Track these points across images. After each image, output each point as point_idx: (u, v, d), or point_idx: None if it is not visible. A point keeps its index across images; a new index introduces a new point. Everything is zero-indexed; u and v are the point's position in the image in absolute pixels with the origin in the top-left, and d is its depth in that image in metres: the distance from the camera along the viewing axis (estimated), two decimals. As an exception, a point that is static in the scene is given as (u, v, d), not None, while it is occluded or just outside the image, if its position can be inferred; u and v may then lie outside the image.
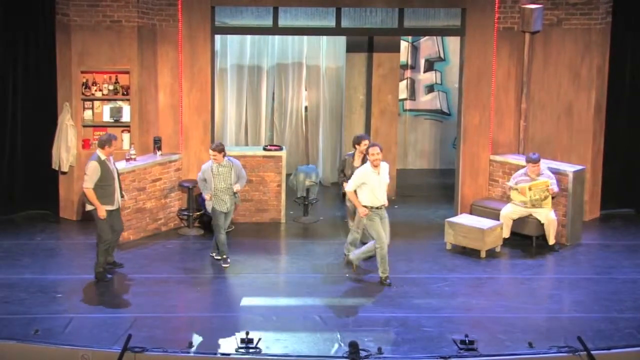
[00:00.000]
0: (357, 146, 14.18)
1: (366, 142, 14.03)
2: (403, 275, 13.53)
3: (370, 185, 13.13)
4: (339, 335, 11.59)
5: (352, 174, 13.59)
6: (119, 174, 13.45)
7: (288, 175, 16.00)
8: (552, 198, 14.62)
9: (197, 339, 11.31)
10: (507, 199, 15.08)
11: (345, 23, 15.48)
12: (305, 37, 17.72)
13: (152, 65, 15.40)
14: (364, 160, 13.84)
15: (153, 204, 15.08)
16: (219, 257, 13.94)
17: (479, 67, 15.60)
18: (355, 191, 13.30)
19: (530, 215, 14.65)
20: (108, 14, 15.06)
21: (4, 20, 15.08)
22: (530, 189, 14.47)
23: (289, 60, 18.03)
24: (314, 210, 16.19)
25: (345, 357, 10.36)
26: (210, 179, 13.72)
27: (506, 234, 14.76)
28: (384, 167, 13.29)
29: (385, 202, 13.32)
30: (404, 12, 15.42)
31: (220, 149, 13.67)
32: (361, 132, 17.07)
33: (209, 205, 13.92)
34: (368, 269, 13.78)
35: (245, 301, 12.76)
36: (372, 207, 13.19)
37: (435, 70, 19.09)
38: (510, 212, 14.75)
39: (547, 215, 14.59)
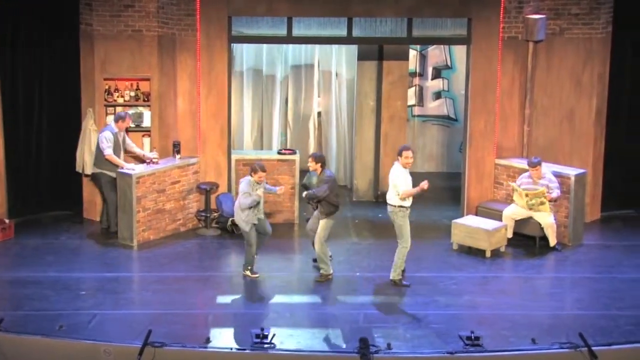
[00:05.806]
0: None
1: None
2: (412, 274, 13.58)
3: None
4: (349, 331, 11.73)
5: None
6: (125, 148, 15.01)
7: (301, 178, 15.72)
8: (555, 201, 14.68)
9: (214, 335, 11.44)
10: (510, 201, 15.11)
11: (356, 32, 15.46)
12: (317, 46, 17.72)
13: (172, 72, 15.49)
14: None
15: (172, 205, 15.22)
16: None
17: (485, 75, 15.64)
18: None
19: (532, 217, 14.74)
20: (130, 23, 15.17)
21: (30, 29, 15.16)
22: (527, 194, 14.59)
23: (302, 67, 18.08)
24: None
25: (356, 353, 10.42)
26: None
27: (509, 233, 14.83)
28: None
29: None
30: (412, 22, 15.42)
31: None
32: (371, 136, 17.11)
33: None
34: (377, 267, 13.93)
35: (260, 298, 12.93)
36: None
37: (443, 77, 18.99)
38: (512, 212, 14.85)
39: (546, 220, 14.64)
